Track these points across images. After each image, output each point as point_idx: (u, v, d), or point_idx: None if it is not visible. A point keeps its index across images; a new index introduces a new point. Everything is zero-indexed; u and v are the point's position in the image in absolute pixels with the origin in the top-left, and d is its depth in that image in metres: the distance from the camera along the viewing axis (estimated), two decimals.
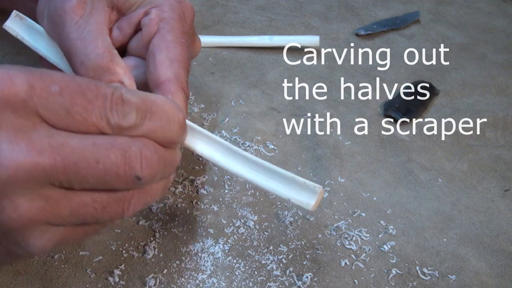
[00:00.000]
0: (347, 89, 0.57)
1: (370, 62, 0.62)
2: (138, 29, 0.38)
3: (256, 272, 0.38)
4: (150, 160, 0.27)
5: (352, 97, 0.56)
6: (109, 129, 0.26)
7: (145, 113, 0.27)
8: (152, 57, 0.36)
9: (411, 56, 0.63)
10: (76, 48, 0.34)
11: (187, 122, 0.33)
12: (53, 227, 0.26)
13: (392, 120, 0.53)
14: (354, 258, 0.39)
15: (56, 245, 0.27)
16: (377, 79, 0.59)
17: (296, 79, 0.58)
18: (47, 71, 0.26)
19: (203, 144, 0.34)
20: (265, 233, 0.41)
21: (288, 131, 0.51)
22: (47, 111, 0.25)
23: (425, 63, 0.62)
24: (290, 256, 0.39)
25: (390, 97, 0.56)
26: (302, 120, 0.52)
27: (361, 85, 0.58)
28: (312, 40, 0.62)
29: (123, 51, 0.39)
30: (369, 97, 0.56)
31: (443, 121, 0.53)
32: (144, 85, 0.37)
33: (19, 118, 0.24)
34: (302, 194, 0.32)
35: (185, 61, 0.37)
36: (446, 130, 0.52)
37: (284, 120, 0.52)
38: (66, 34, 0.34)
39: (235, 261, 0.38)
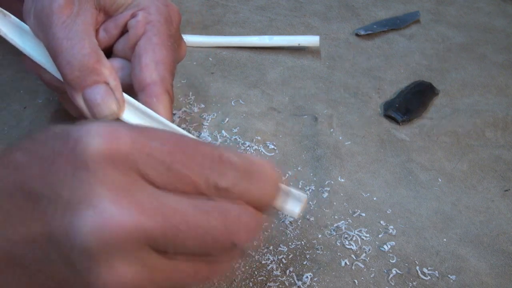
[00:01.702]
0: (347, 89, 0.57)
1: (370, 62, 0.62)
2: (124, 31, 0.38)
3: (256, 272, 0.38)
4: (248, 226, 0.25)
5: (352, 97, 0.56)
6: (206, 188, 0.25)
7: (244, 173, 0.26)
8: (137, 59, 0.36)
9: (411, 56, 0.63)
10: (62, 48, 0.34)
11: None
12: None
13: (392, 120, 0.53)
14: (354, 258, 0.39)
15: None
16: (377, 79, 0.59)
17: (296, 79, 0.58)
18: (146, 127, 0.25)
19: None
20: (265, 233, 0.41)
21: (288, 131, 0.51)
22: (147, 168, 0.24)
23: (425, 63, 0.62)
24: (290, 256, 0.39)
25: (390, 97, 0.56)
26: (302, 120, 0.52)
27: (361, 85, 0.58)
28: (312, 40, 0.62)
29: (109, 52, 0.39)
30: (369, 97, 0.56)
31: (443, 121, 0.53)
32: (129, 87, 0.37)
33: (121, 175, 0.23)
34: (287, 202, 0.32)
35: (170, 64, 0.36)
36: (446, 130, 0.52)
37: (284, 120, 0.52)
38: (52, 34, 0.34)
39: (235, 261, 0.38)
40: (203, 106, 0.53)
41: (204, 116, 0.52)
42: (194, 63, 0.59)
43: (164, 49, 0.36)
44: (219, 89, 0.55)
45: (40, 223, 0.23)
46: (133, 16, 0.37)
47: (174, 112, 0.51)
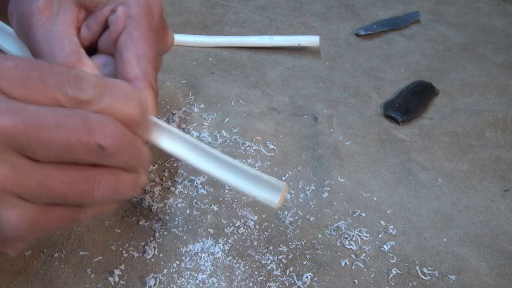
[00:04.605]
0: (347, 89, 0.57)
1: (370, 62, 0.62)
2: (106, 26, 0.38)
3: (256, 272, 0.38)
4: (110, 129, 0.27)
5: (352, 97, 0.56)
6: (67, 102, 0.26)
7: (103, 89, 0.28)
8: (119, 55, 0.36)
9: (411, 56, 0.63)
10: (43, 50, 0.34)
11: (154, 119, 0.33)
12: (23, 203, 0.26)
13: (392, 120, 0.53)
14: (354, 258, 0.39)
15: (29, 226, 0.26)
16: (377, 79, 0.59)
17: (296, 79, 0.58)
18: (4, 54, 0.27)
19: (169, 140, 0.33)
20: (265, 233, 0.41)
21: (288, 131, 0.51)
22: (3, 82, 0.25)
23: (425, 63, 0.62)
24: (290, 256, 0.39)
25: (390, 97, 0.56)
26: (302, 120, 0.52)
27: (361, 85, 0.58)
28: (312, 40, 0.62)
29: (93, 49, 0.39)
30: (369, 97, 0.56)
31: (443, 121, 0.53)
32: None
33: None
34: (267, 192, 0.32)
35: (153, 57, 0.36)
36: (446, 130, 0.52)
37: (284, 120, 0.52)
38: (33, 36, 0.34)
39: (235, 261, 0.38)
40: (203, 106, 0.53)
41: (204, 116, 0.52)
42: (194, 63, 0.59)
43: (145, 43, 0.36)
44: (219, 89, 0.55)
45: None
46: (113, 11, 0.37)
47: (174, 112, 0.51)
